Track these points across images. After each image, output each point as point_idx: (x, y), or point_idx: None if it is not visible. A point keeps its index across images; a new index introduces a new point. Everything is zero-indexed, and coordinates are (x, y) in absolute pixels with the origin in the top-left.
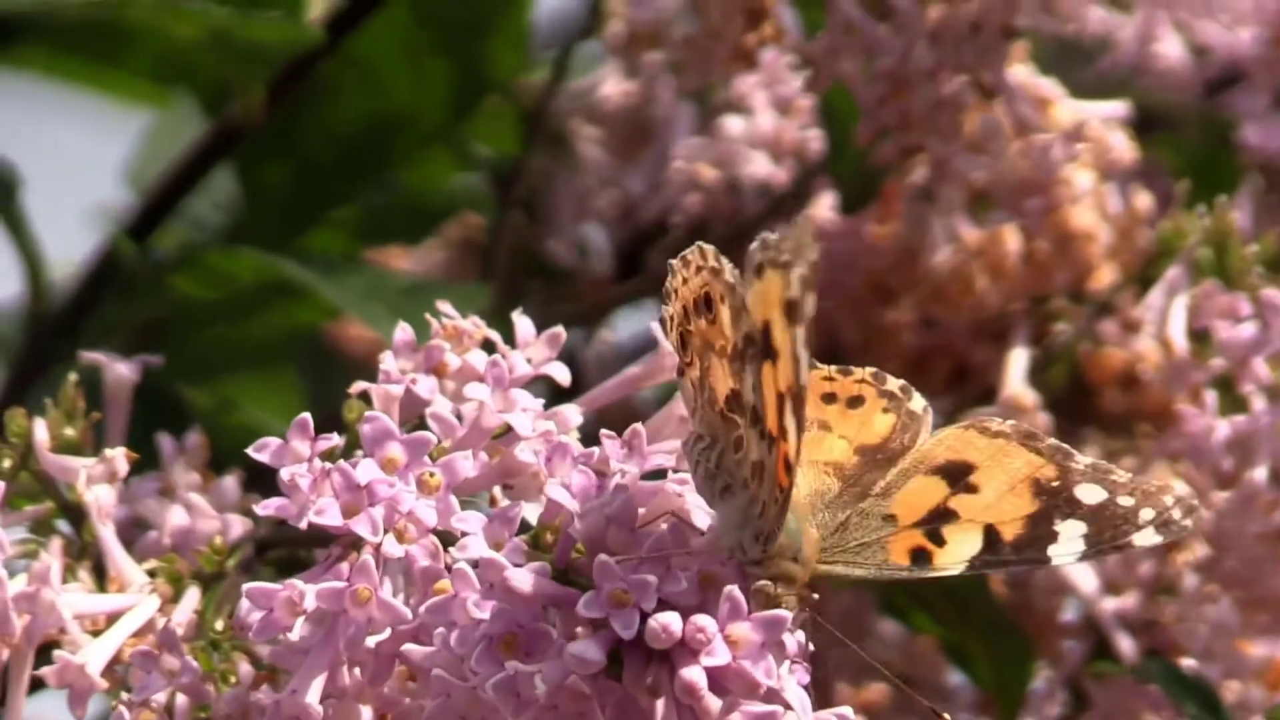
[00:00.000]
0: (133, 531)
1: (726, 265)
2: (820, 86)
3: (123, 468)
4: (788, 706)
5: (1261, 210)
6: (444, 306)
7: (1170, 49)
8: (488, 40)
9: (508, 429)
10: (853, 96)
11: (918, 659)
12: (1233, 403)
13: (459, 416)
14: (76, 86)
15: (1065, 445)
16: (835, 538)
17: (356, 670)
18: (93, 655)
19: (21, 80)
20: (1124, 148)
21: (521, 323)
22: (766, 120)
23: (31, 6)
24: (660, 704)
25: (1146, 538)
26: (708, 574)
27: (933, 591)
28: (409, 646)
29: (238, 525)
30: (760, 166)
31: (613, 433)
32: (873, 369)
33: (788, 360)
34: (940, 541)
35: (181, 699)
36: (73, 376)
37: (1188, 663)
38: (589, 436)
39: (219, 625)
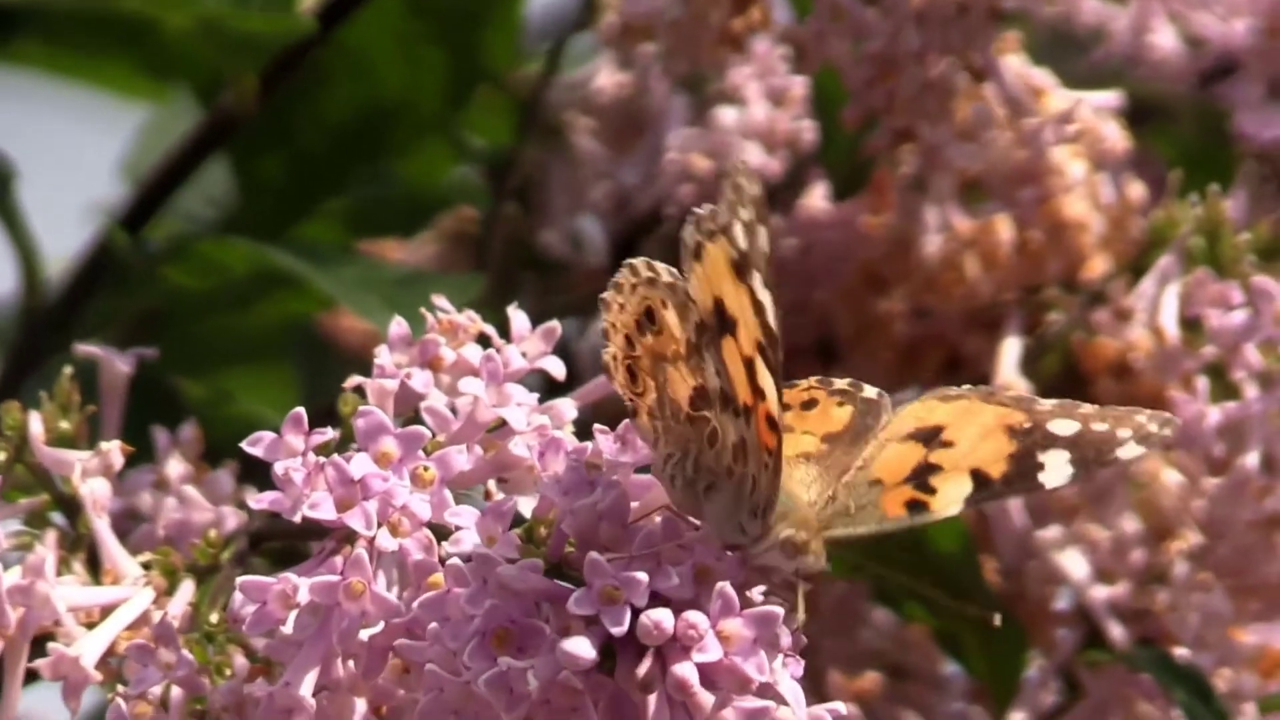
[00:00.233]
0: (127, 524)
1: (661, 269)
2: (808, 70)
3: (118, 461)
4: (782, 701)
5: (1256, 200)
6: (439, 300)
7: (1164, 40)
8: (481, 30)
9: (502, 423)
10: (844, 86)
11: (911, 648)
12: (1224, 390)
13: (454, 411)
14: (72, 81)
15: (1026, 395)
16: (828, 508)
17: (350, 663)
18: (87, 647)
19: (16, 76)
20: (1117, 137)
21: (517, 317)
22: (760, 111)
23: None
24: (653, 700)
25: (1130, 451)
26: (703, 568)
27: (926, 581)
28: (402, 641)
29: (232, 518)
30: (754, 157)
31: (606, 427)
32: (817, 377)
33: (748, 319)
34: (931, 491)
35: (176, 692)
36: (68, 369)
37: (1180, 651)
38: (584, 429)
39: (214, 618)
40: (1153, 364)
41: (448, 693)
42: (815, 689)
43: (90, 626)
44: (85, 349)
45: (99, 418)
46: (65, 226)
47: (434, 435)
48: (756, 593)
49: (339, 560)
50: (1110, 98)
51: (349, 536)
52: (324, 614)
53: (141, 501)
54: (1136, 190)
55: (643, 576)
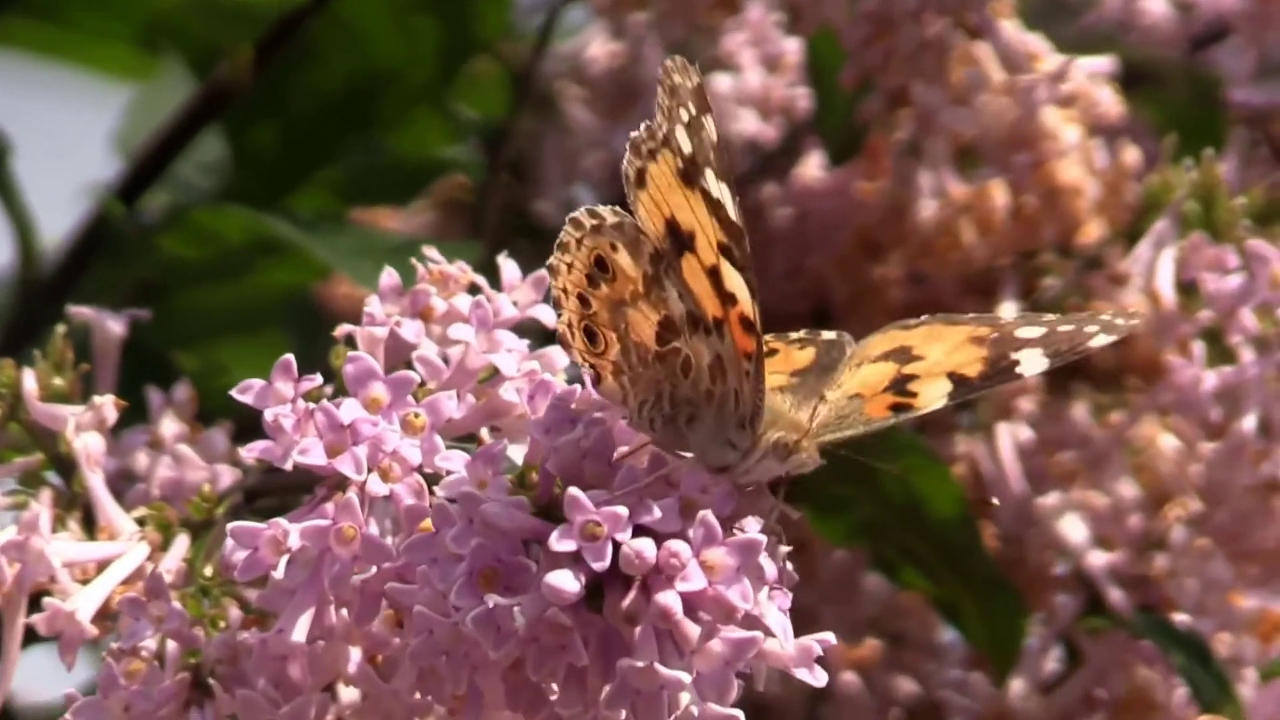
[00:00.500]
0: (122, 485)
1: (604, 212)
2: (805, 31)
3: (111, 415)
4: (769, 633)
5: (1246, 165)
6: (430, 251)
7: (1155, 5)
8: (474, 1)
9: (494, 372)
10: (840, 53)
11: (908, 616)
12: (1221, 354)
13: (445, 360)
14: (60, 61)
15: (986, 314)
16: (814, 420)
17: (344, 611)
18: (83, 602)
19: (6, 56)
20: (1110, 102)
21: (507, 266)
22: (754, 78)
23: None
24: (638, 633)
25: (1100, 340)
26: (689, 501)
27: (925, 548)
28: (391, 585)
29: (227, 475)
30: (748, 123)
31: None
32: (772, 334)
33: (705, 224)
34: (911, 395)
35: (171, 644)
36: (61, 328)
37: (1180, 617)
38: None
39: (208, 572)
40: (1149, 328)
41: (437, 634)
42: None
43: (85, 583)
44: (78, 310)
45: (92, 380)
46: (54, 206)
47: (424, 383)
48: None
49: (330, 506)
50: (1103, 63)
51: (340, 484)
52: (315, 559)
53: (136, 461)
54: (1131, 155)
55: (623, 511)
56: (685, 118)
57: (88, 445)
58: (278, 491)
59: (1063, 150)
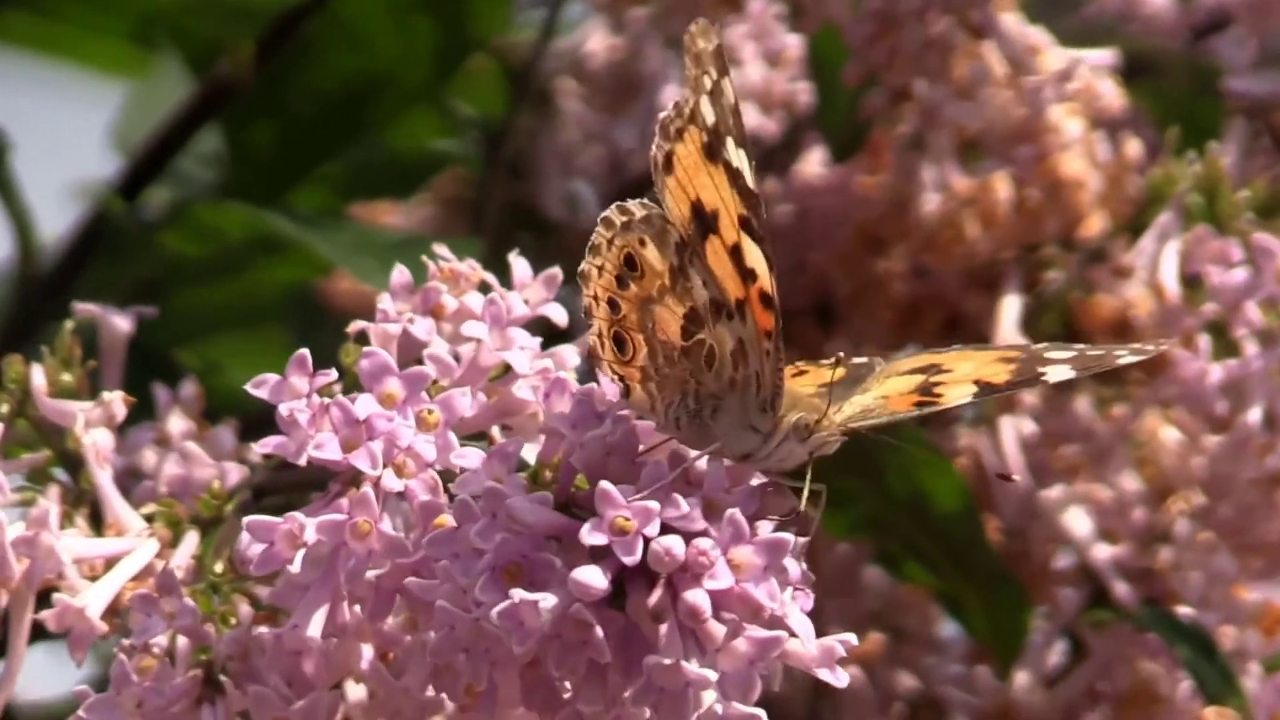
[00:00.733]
0: (128, 482)
1: (633, 206)
2: (808, 29)
3: (120, 411)
4: (792, 633)
5: (1247, 156)
6: (440, 249)
7: None
8: None
9: (505, 370)
10: (841, 48)
11: (910, 610)
12: (1225, 347)
13: (456, 359)
14: (56, 58)
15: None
16: (838, 414)
17: (357, 607)
18: (93, 598)
19: (3, 52)
20: (1112, 95)
21: (518, 264)
22: (756, 72)
23: None
24: (664, 630)
25: (1128, 359)
26: (711, 500)
27: (928, 542)
28: (412, 580)
29: (234, 472)
30: (750, 118)
31: None
32: (800, 360)
33: (727, 199)
34: (937, 395)
35: (182, 641)
36: (69, 324)
37: (1184, 610)
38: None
39: (218, 568)
40: (1153, 321)
41: (459, 629)
42: None
43: (94, 580)
44: (84, 307)
45: (98, 377)
46: (50, 203)
47: (437, 380)
48: (766, 528)
49: (345, 501)
50: (1106, 55)
51: (354, 479)
52: (331, 554)
53: (143, 459)
54: (1133, 148)
55: (654, 505)
56: (709, 85)
57: (97, 442)
58: (286, 489)
59: (1065, 143)
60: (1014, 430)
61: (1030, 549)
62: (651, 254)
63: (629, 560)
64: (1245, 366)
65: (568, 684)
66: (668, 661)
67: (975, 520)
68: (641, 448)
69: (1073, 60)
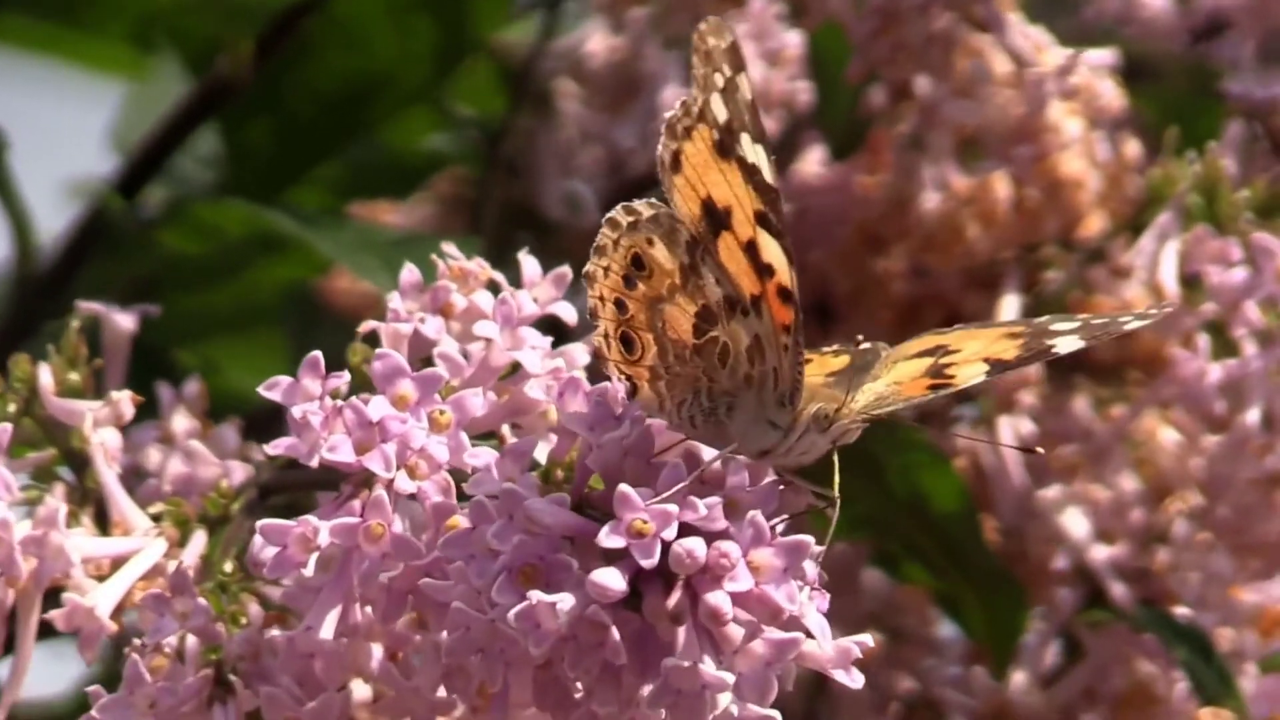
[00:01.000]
0: (132, 481)
1: (639, 205)
2: (810, 26)
3: (128, 410)
4: (809, 634)
5: (1246, 158)
6: (449, 248)
7: None
8: None
9: (515, 369)
10: (841, 47)
11: (908, 611)
12: (1224, 347)
13: (466, 357)
14: (54, 58)
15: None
16: (853, 404)
17: (368, 608)
18: (102, 598)
19: (2, 53)
20: (1112, 95)
21: (528, 262)
22: (755, 71)
23: None
24: (682, 632)
25: (1134, 324)
26: (732, 500)
27: (926, 542)
28: (426, 581)
29: (239, 471)
30: None
31: None
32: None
33: (742, 195)
34: (949, 377)
35: (192, 641)
36: (75, 323)
37: (1181, 610)
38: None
39: (227, 568)
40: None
41: (474, 630)
42: None
43: (100, 579)
44: (88, 305)
45: (102, 375)
46: (49, 202)
47: (448, 380)
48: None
49: (357, 504)
50: (1106, 55)
51: (366, 481)
52: (344, 557)
53: (147, 457)
54: (1132, 148)
55: (672, 508)
56: (720, 82)
57: (105, 441)
58: (292, 487)
59: (1065, 143)
60: (1012, 431)
61: (1028, 549)
62: (660, 253)
63: (647, 563)
64: (1244, 366)
65: (579, 685)
66: (686, 663)
67: (974, 520)
68: (657, 448)
69: (1073, 55)
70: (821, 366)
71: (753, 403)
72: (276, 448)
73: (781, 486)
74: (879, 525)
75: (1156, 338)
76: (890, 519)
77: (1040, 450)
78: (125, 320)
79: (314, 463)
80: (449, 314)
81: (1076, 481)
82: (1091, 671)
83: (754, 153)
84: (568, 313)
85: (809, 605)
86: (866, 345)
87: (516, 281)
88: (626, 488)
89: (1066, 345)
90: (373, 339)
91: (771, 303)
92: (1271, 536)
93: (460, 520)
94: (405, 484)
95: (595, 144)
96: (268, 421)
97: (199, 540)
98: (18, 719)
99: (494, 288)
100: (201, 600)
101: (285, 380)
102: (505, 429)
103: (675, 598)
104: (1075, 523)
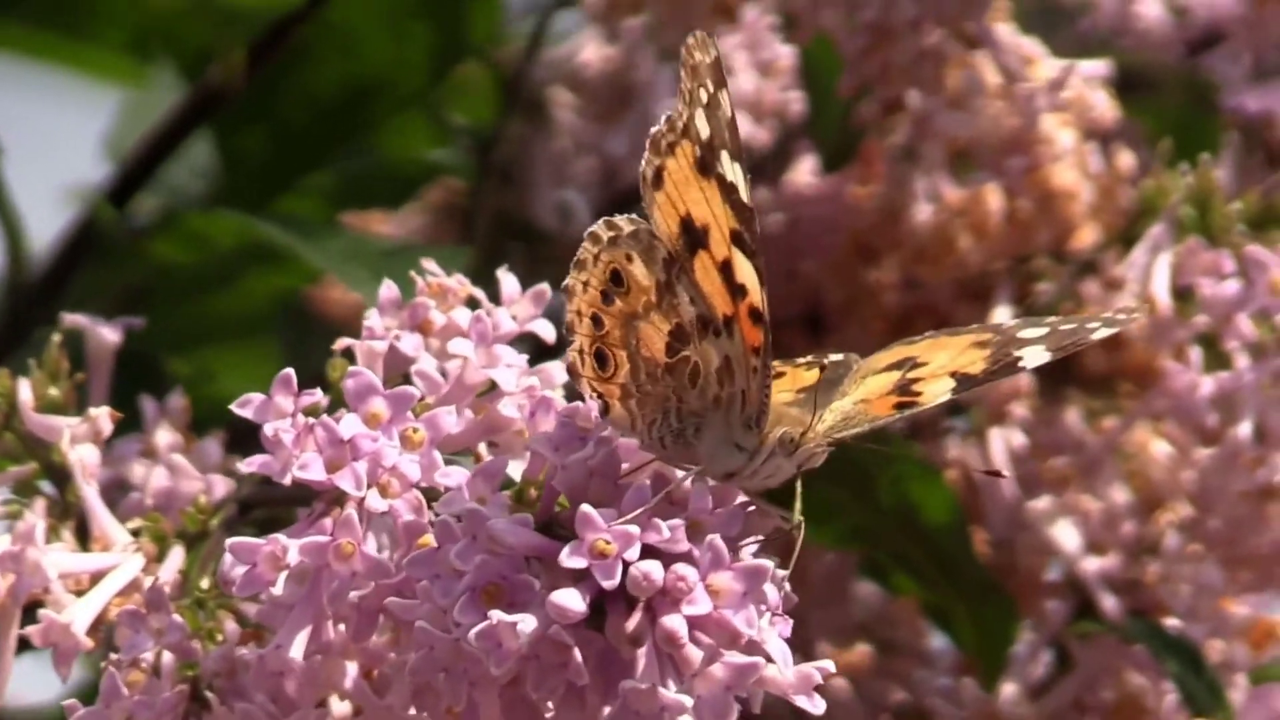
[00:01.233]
0: (115, 494)
1: (620, 221)
2: (802, 40)
3: (106, 427)
4: (769, 659)
5: (1242, 171)
6: (428, 264)
7: (1150, 9)
8: (465, 4)
9: (492, 386)
10: (834, 57)
11: (898, 622)
12: (1216, 360)
13: (444, 374)
14: (51, 64)
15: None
16: (820, 424)
17: (340, 626)
18: (78, 614)
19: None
20: (1105, 106)
21: (506, 280)
22: (748, 82)
23: None
24: (642, 654)
25: (1102, 332)
26: (695, 522)
27: (917, 553)
28: (392, 600)
29: (221, 485)
30: (742, 127)
31: None
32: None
33: (719, 214)
34: (916, 394)
35: (167, 657)
36: (56, 337)
37: (1171, 622)
38: (572, 397)
39: (204, 584)
40: (1144, 334)
41: (438, 650)
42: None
43: (79, 594)
44: (72, 318)
45: (86, 388)
46: (42, 210)
47: (423, 397)
48: (747, 552)
49: (328, 522)
50: (1099, 66)
51: (338, 499)
52: (314, 575)
53: (129, 471)
54: (1125, 160)
55: (634, 530)
56: (704, 98)
57: (83, 457)
58: (272, 503)
59: (1057, 154)
60: (1003, 442)
61: (1018, 561)
62: (638, 270)
63: (608, 584)
64: (1237, 379)
65: (549, 703)
66: (644, 686)
67: (964, 532)
68: (625, 469)
69: (1065, 69)
70: (794, 380)
71: (720, 425)
72: (251, 465)
73: (752, 509)
74: (869, 536)
75: (1148, 350)
76: (880, 530)
77: (1004, 475)
78: (109, 333)
79: (287, 480)
80: (427, 331)
81: (1067, 493)
82: (1081, 683)
83: (732, 171)
84: (546, 331)
85: (770, 630)
86: (838, 358)
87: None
88: (589, 508)
89: (1033, 358)
90: (352, 355)
91: (743, 324)
92: (1263, 549)
93: (431, 539)
94: (377, 503)
95: (590, 153)
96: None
97: (176, 556)
98: None
99: (474, 304)
100: (177, 617)
101: (258, 398)
102: (482, 447)
103: (634, 620)
104: (1066, 534)
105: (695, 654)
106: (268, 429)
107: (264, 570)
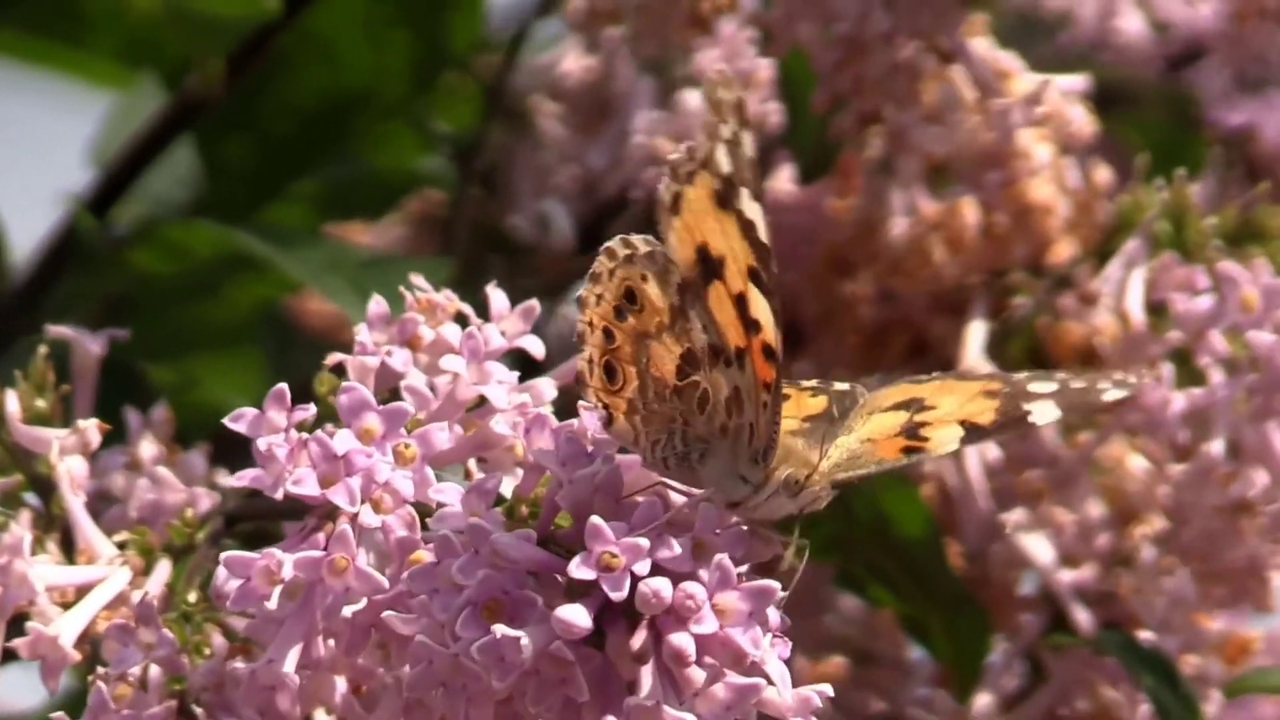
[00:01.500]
0: (99, 506)
1: (637, 241)
2: (776, 53)
3: (95, 439)
4: (770, 681)
5: (1223, 186)
6: (417, 280)
7: (1131, 24)
8: (446, 13)
9: (481, 402)
10: (811, 70)
11: (875, 633)
12: (1190, 375)
13: (433, 389)
14: (39, 69)
15: (998, 371)
16: (825, 461)
17: (331, 641)
18: (66, 627)
19: None
20: (1083, 121)
21: (495, 295)
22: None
23: None
24: (645, 672)
25: (1113, 394)
26: (700, 542)
27: (891, 565)
28: (390, 614)
29: (205, 499)
30: None
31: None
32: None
33: (736, 249)
34: (924, 439)
35: (155, 671)
36: (43, 349)
37: (1145, 635)
38: (558, 412)
39: (191, 597)
40: (1118, 349)
41: (437, 664)
42: None
43: (65, 607)
44: (56, 330)
45: (70, 400)
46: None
47: (414, 413)
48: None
49: (322, 537)
50: (1077, 81)
51: (330, 514)
52: (307, 590)
53: (113, 483)
54: (1102, 174)
55: (644, 542)
56: (728, 134)
57: (71, 470)
58: (258, 516)
59: (1034, 169)
60: (978, 455)
61: (992, 573)
62: (653, 290)
63: (616, 596)
64: (1209, 395)
65: None
66: (649, 703)
67: (938, 545)
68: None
69: (1042, 83)
70: (799, 406)
71: (727, 454)
72: (242, 479)
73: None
74: (844, 548)
75: (1122, 363)
76: (855, 543)
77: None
78: (94, 344)
79: (279, 495)
80: (416, 346)
81: (1042, 506)
82: (1055, 695)
83: (752, 209)
84: (535, 347)
85: (770, 652)
86: (844, 387)
87: (487, 311)
88: (598, 520)
89: (1043, 414)
90: (340, 369)
91: (756, 358)
92: (1237, 563)
93: (424, 555)
94: (370, 518)
95: (571, 164)
96: (243, 443)
97: (163, 569)
98: None
99: (462, 320)
100: (166, 631)
101: (251, 412)
102: (472, 463)
103: (640, 637)
104: (1040, 547)
105: (698, 673)
106: (261, 443)
107: (258, 584)
